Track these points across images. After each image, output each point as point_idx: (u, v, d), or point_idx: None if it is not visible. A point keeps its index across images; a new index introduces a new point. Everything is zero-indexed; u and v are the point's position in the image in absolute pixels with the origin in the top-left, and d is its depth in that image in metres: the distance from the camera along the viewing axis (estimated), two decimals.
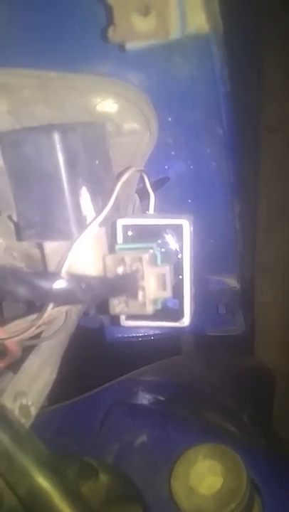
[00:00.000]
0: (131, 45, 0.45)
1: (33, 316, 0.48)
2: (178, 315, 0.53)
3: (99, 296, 0.48)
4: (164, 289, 0.49)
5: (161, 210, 0.56)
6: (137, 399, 0.77)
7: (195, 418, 0.77)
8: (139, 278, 0.48)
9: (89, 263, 0.48)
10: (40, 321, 0.47)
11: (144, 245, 0.50)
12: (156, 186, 0.58)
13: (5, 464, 0.44)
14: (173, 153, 0.58)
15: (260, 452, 0.71)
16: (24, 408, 0.48)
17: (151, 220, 0.53)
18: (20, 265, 0.53)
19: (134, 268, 0.48)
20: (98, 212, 0.47)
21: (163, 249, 0.51)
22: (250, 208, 0.86)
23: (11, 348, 0.48)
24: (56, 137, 0.44)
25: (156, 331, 0.82)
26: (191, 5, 0.45)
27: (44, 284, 0.43)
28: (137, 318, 0.53)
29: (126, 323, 0.54)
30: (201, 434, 0.66)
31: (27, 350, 0.51)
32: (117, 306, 0.49)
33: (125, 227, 0.51)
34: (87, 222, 0.47)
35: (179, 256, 0.52)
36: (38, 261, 0.51)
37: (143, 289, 0.48)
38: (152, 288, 0.49)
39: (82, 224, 0.47)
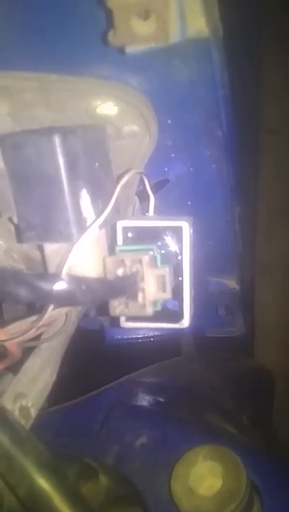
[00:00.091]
0: (131, 49, 0.45)
1: (33, 318, 0.48)
2: (178, 316, 0.53)
3: (99, 297, 0.48)
4: (164, 290, 0.49)
5: (161, 212, 0.56)
6: (136, 400, 0.77)
7: (195, 419, 0.77)
8: (139, 280, 0.48)
9: (89, 265, 0.48)
10: (40, 323, 0.47)
11: (144, 247, 0.50)
12: (156, 188, 0.58)
13: (5, 464, 0.44)
14: (173, 155, 0.58)
15: (259, 454, 0.71)
16: (24, 409, 0.48)
17: (151, 222, 0.53)
18: (21, 267, 0.54)
19: (134, 270, 0.48)
20: (98, 215, 0.47)
21: (163, 251, 0.51)
22: (249, 210, 0.86)
23: (11, 349, 0.48)
24: (57, 140, 0.44)
25: (156, 333, 0.83)
26: (191, 9, 0.45)
27: (44, 285, 0.43)
28: (137, 320, 0.53)
29: (126, 324, 0.54)
30: (201, 436, 0.66)
31: (27, 351, 0.51)
32: (117, 307, 0.49)
33: (125, 229, 0.52)
34: (88, 224, 0.47)
35: (179, 258, 0.52)
36: (38, 263, 0.52)
37: (143, 290, 0.48)
38: (152, 289, 0.49)
39: (82, 226, 0.47)
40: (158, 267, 0.49)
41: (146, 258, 0.48)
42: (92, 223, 0.47)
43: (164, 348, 0.87)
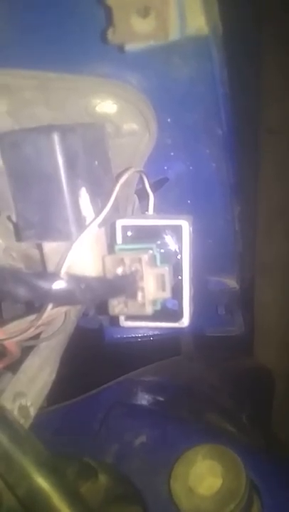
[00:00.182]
0: (130, 47, 0.45)
1: (32, 317, 0.48)
2: (177, 315, 0.53)
3: (98, 296, 0.48)
4: (164, 289, 0.49)
5: (161, 210, 0.56)
6: (136, 399, 0.77)
7: (194, 419, 0.77)
8: (139, 279, 0.48)
9: (88, 264, 0.48)
10: (40, 322, 0.47)
11: (144, 246, 0.50)
12: (155, 187, 0.58)
13: (4, 464, 0.44)
14: (172, 154, 0.58)
15: (259, 453, 0.71)
16: (23, 408, 0.48)
17: (150, 220, 0.53)
18: (20, 266, 0.54)
19: (133, 269, 0.48)
20: (97, 213, 0.47)
21: (162, 250, 0.51)
22: (249, 210, 0.86)
23: (10, 348, 0.48)
24: (56, 138, 0.44)
25: (156, 332, 0.82)
26: (191, 7, 0.45)
27: (43, 284, 0.43)
28: (136, 319, 0.53)
29: (125, 323, 0.54)
30: (201, 435, 0.66)
31: (26, 350, 0.51)
32: (117, 306, 0.49)
33: (124, 228, 0.52)
34: (87, 222, 0.47)
35: (179, 257, 0.52)
36: (37, 261, 0.51)
37: (142, 289, 0.48)
38: (151, 288, 0.49)
39: (81, 224, 0.47)
40: (157, 266, 0.49)
41: (145, 257, 0.48)
42: (92, 222, 0.47)
43: (163, 347, 0.87)
